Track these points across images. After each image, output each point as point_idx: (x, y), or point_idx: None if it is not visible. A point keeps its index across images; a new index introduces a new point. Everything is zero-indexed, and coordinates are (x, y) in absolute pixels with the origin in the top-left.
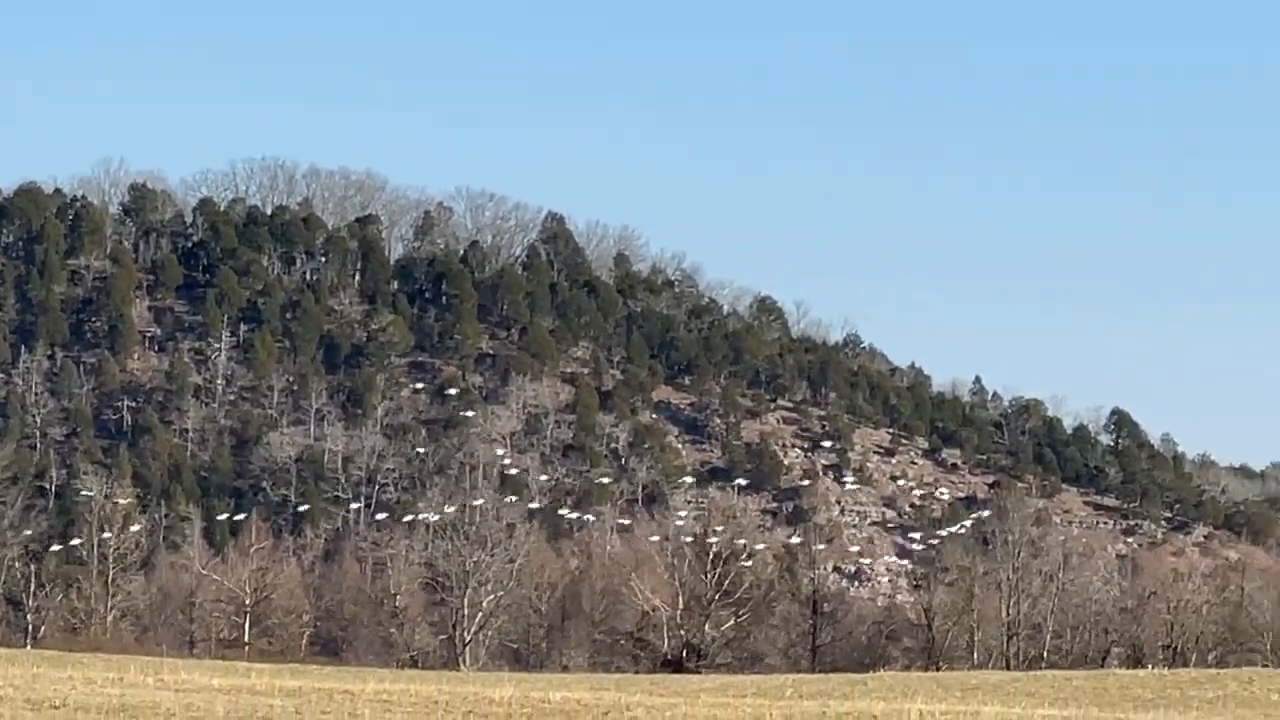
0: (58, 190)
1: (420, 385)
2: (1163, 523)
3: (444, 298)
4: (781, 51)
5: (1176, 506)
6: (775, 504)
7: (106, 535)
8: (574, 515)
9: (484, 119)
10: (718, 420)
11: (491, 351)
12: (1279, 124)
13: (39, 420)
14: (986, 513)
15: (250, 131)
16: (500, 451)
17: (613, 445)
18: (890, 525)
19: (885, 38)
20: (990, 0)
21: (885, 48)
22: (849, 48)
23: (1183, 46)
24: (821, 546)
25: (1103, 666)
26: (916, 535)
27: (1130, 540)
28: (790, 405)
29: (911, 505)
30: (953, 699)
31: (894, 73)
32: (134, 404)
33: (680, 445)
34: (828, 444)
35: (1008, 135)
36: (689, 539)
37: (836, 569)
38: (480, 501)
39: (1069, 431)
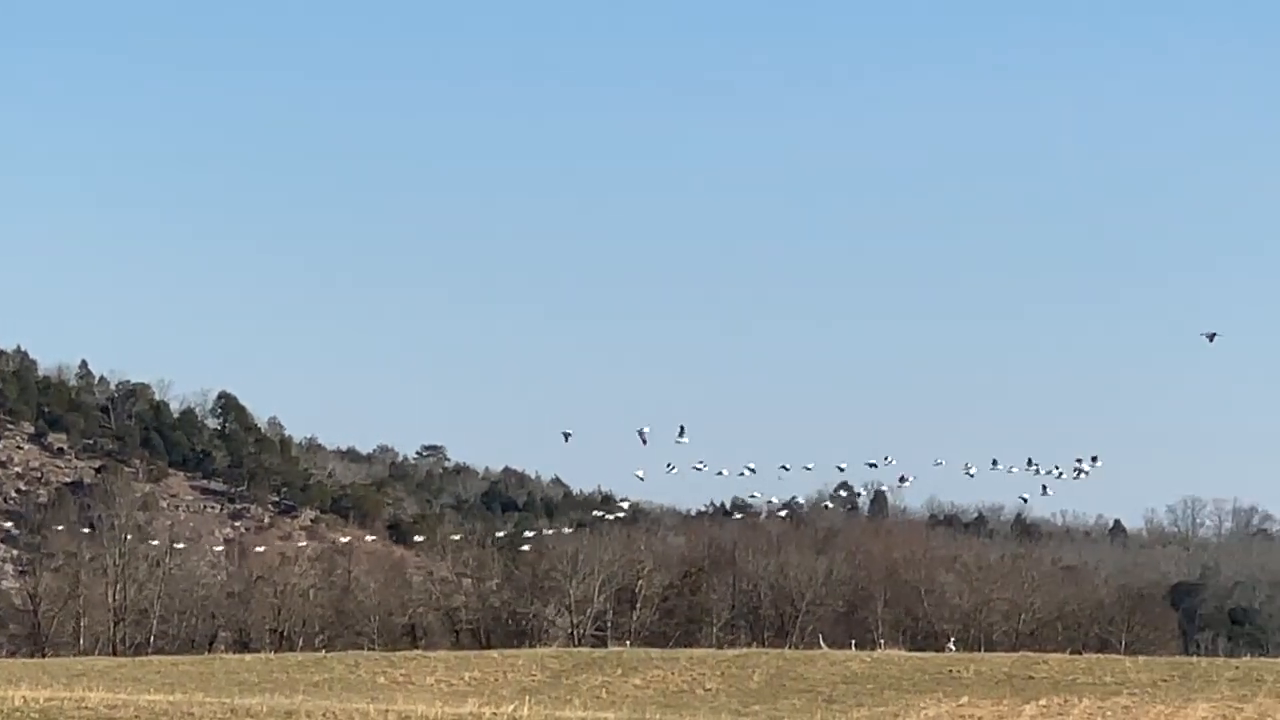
0: None
1: None
2: (270, 506)
3: None
4: None
5: (284, 490)
6: None
7: None
8: None
9: None
10: None
11: None
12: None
13: None
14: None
15: None
16: None
17: None
18: None
19: None
20: None
21: None
22: None
23: None
24: None
25: (210, 651)
26: (22, 520)
27: (238, 524)
28: None
29: (18, 490)
30: (58, 685)
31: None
32: None
33: None
34: None
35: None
36: None
37: None
38: None
39: (176, 415)
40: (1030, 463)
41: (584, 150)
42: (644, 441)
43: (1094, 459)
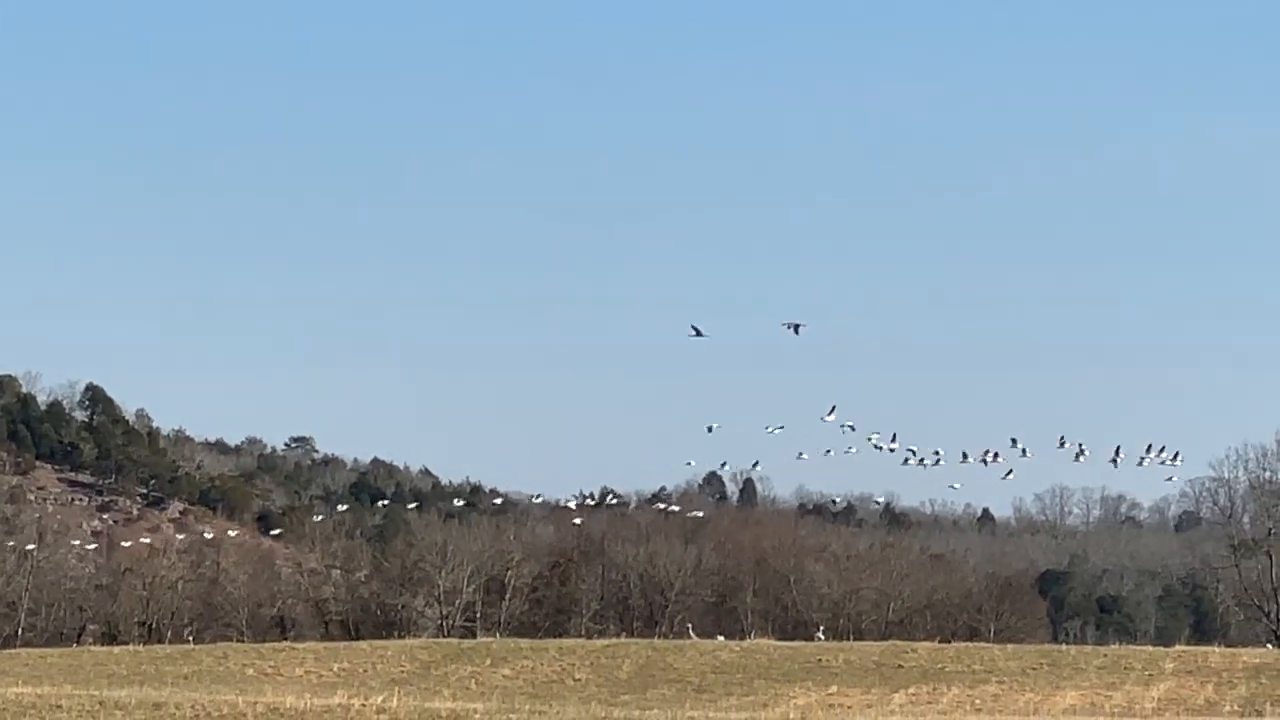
0: None
1: None
2: (139, 498)
3: None
4: None
5: (152, 482)
6: None
7: None
8: None
9: None
10: None
11: None
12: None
13: None
14: None
15: None
16: None
17: None
18: None
19: None
20: None
21: None
22: None
23: None
24: None
25: (78, 644)
26: None
27: (106, 516)
28: None
29: None
30: None
31: None
32: None
33: None
34: None
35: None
36: None
37: None
38: None
39: (43, 407)
40: (1117, 454)
41: (448, 131)
42: None
43: (1176, 455)
